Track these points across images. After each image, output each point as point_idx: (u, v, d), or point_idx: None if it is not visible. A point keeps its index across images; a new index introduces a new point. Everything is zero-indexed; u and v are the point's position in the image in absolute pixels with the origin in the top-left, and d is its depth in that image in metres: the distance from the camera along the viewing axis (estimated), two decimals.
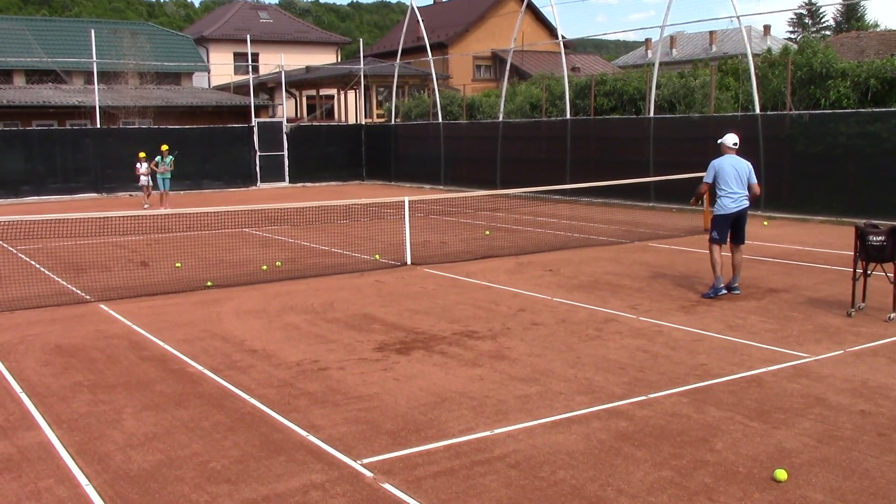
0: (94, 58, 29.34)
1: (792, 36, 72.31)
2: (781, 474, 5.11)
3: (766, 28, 60.86)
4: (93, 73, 30.01)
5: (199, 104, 36.67)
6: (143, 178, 24.89)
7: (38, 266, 13.86)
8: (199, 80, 45.44)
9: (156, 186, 24.13)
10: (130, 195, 27.28)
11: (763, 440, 5.76)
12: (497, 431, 6.00)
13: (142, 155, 25.02)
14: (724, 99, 22.73)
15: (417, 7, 33.24)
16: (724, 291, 10.55)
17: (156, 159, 23.93)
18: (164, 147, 24.03)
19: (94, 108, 29.61)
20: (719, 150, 10.84)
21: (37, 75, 37.17)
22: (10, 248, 15.55)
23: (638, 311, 9.85)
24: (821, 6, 73.91)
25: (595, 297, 10.64)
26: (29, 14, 73.28)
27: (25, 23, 42.08)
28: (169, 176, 23.83)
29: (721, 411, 6.34)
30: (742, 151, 10.84)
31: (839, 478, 5.15)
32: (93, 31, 29.55)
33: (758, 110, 20.13)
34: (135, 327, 9.48)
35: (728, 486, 5.04)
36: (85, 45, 30.64)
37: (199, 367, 7.78)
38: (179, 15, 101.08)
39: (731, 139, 10.80)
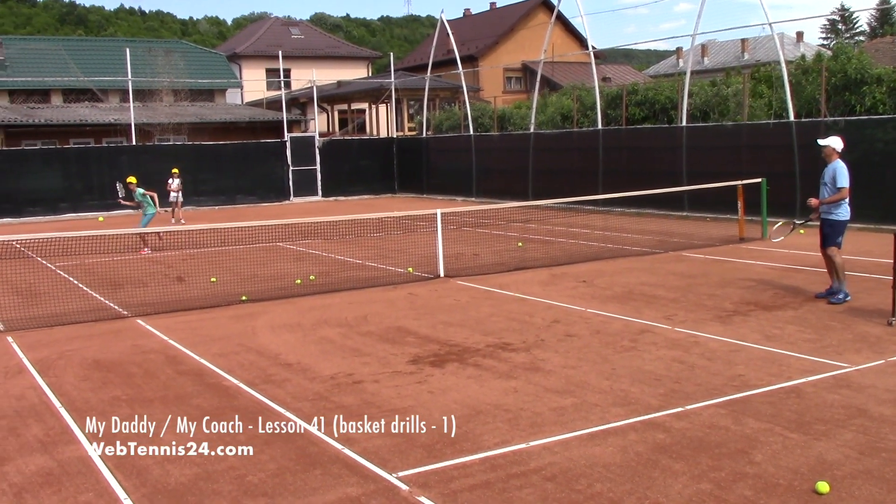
0: (130, 76, 29.85)
1: (825, 42, 71.58)
2: (823, 487, 5.03)
3: (799, 35, 60.35)
4: (128, 91, 30.51)
5: (232, 120, 37.12)
6: (172, 193, 25.11)
7: (75, 282, 14.06)
8: (232, 96, 45.96)
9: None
10: (165, 210, 27.56)
11: (803, 452, 5.67)
12: (532, 444, 5.97)
13: (175, 171, 25.27)
14: (758, 107, 22.50)
15: (447, 20, 33.40)
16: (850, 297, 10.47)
17: None
18: None
19: (130, 125, 30.07)
20: (821, 154, 10.81)
21: (73, 94, 37.84)
22: (49, 265, 15.78)
23: (673, 321, 9.76)
24: (854, 12, 73.16)
25: (629, 308, 10.57)
26: (66, 34, 74.74)
27: (62, 43, 42.91)
28: None
29: (760, 423, 6.25)
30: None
31: (883, 491, 5.05)
32: (128, 50, 30.09)
33: (792, 118, 19.90)
34: (171, 342, 9.58)
35: (769, 499, 4.97)
36: (120, 63, 31.14)
37: (235, 381, 7.83)
38: (212, 32, 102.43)
39: (840, 143, 10.79)
